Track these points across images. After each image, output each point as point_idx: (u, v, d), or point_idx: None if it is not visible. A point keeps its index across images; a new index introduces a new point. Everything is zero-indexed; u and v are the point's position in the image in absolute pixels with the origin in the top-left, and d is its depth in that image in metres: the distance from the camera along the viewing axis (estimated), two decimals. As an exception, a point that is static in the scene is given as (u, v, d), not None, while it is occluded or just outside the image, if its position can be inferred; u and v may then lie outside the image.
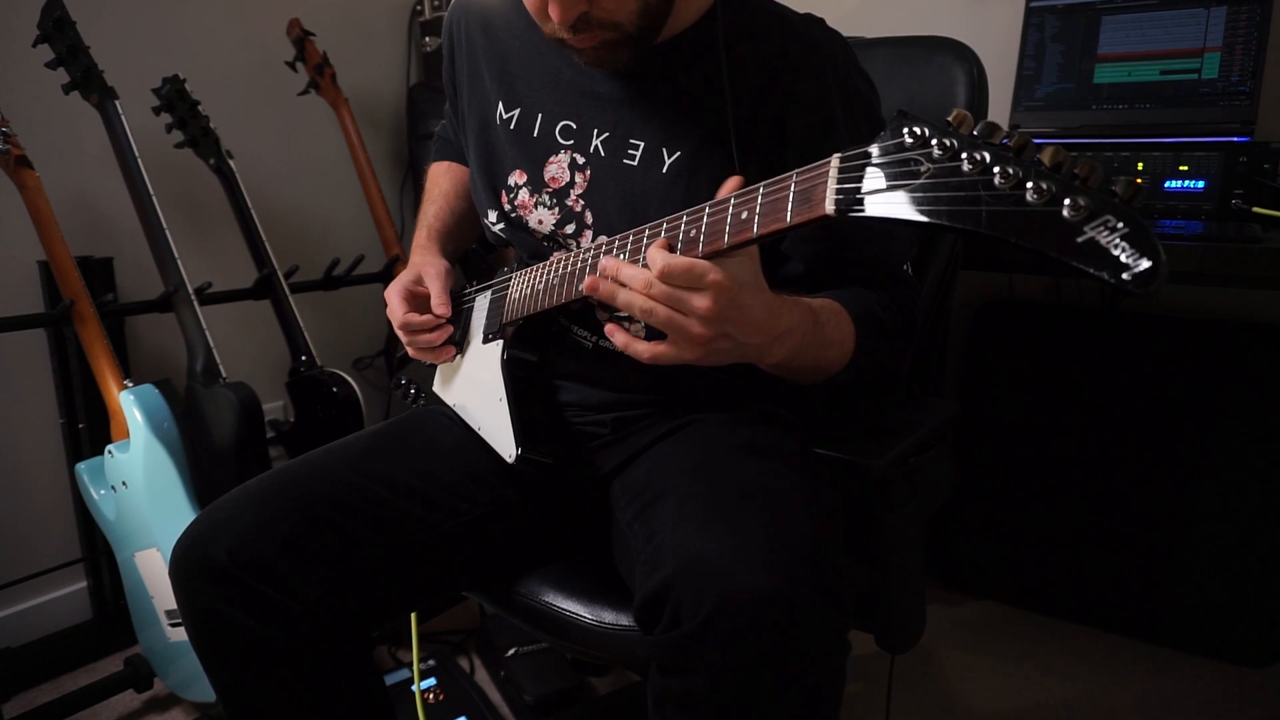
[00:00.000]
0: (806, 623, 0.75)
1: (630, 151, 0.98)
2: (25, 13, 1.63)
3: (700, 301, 0.75)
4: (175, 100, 1.80)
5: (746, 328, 0.79)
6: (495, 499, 1.04)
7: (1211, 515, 1.69)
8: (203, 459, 1.57)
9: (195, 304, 1.65)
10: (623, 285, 0.79)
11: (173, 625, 1.54)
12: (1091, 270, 0.52)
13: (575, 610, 0.99)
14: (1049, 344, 1.85)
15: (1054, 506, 1.84)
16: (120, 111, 1.65)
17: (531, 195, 1.04)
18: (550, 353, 1.06)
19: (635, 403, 1.03)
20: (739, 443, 0.95)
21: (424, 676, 1.65)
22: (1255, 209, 1.33)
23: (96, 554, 1.83)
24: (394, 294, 1.09)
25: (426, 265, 1.12)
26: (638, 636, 0.83)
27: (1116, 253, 0.51)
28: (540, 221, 1.04)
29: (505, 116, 1.06)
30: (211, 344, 1.64)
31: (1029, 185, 0.54)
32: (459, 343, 1.13)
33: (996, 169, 0.55)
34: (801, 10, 1.00)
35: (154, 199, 1.65)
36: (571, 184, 1.01)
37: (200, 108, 1.82)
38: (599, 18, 0.88)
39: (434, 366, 1.19)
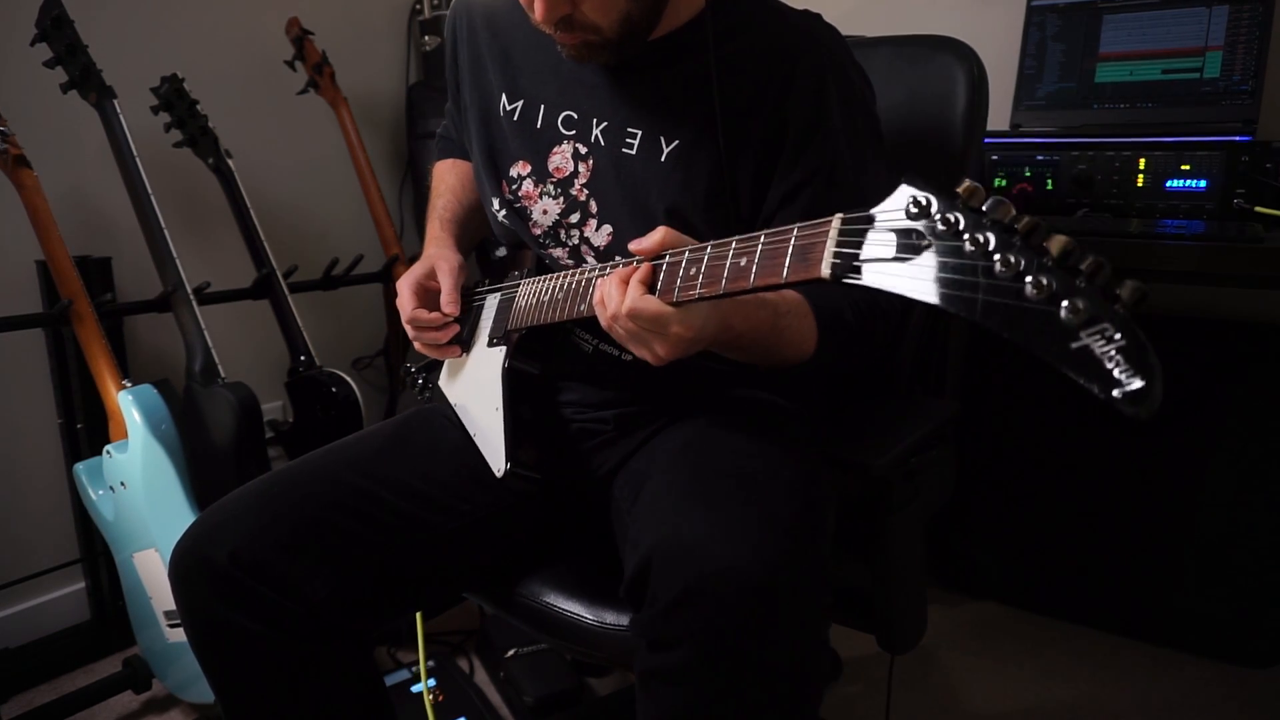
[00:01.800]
0: (782, 598, 0.75)
1: (629, 140, 0.99)
2: (23, 11, 1.63)
3: (660, 347, 0.80)
4: (174, 99, 1.80)
5: (695, 349, 0.83)
6: (496, 500, 1.04)
7: (1213, 515, 1.69)
8: (201, 459, 1.57)
9: (194, 304, 1.65)
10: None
11: (171, 626, 1.54)
12: (1081, 381, 0.49)
13: (576, 611, 0.98)
14: (1050, 344, 1.84)
15: (1056, 507, 1.84)
16: (118, 110, 1.65)
17: (536, 186, 1.04)
18: (552, 359, 1.06)
19: (636, 400, 1.04)
20: (731, 427, 0.96)
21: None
22: (1257, 208, 1.33)
23: (95, 554, 1.83)
24: (405, 286, 1.09)
25: (440, 259, 1.11)
26: (630, 620, 0.84)
27: (1109, 366, 0.48)
28: (545, 211, 1.04)
29: (509, 108, 1.06)
30: (210, 344, 1.63)
31: (1029, 279, 0.51)
32: (466, 341, 1.12)
33: (998, 256, 0.53)
34: (803, 9, 1.01)
35: (152, 198, 1.65)
36: (575, 174, 1.02)
37: (199, 107, 1.81)
38: (580, 20, 0.90)
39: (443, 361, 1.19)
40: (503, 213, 1.09)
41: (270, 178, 2.13)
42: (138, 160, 1.65)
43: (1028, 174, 1.51)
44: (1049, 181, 1.50)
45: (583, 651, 1.02)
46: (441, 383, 1.18)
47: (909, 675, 1.67)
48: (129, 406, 1.53)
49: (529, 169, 1.05)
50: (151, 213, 1.65)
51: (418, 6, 2.39)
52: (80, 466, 1.61)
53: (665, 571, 0.77)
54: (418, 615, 1.27)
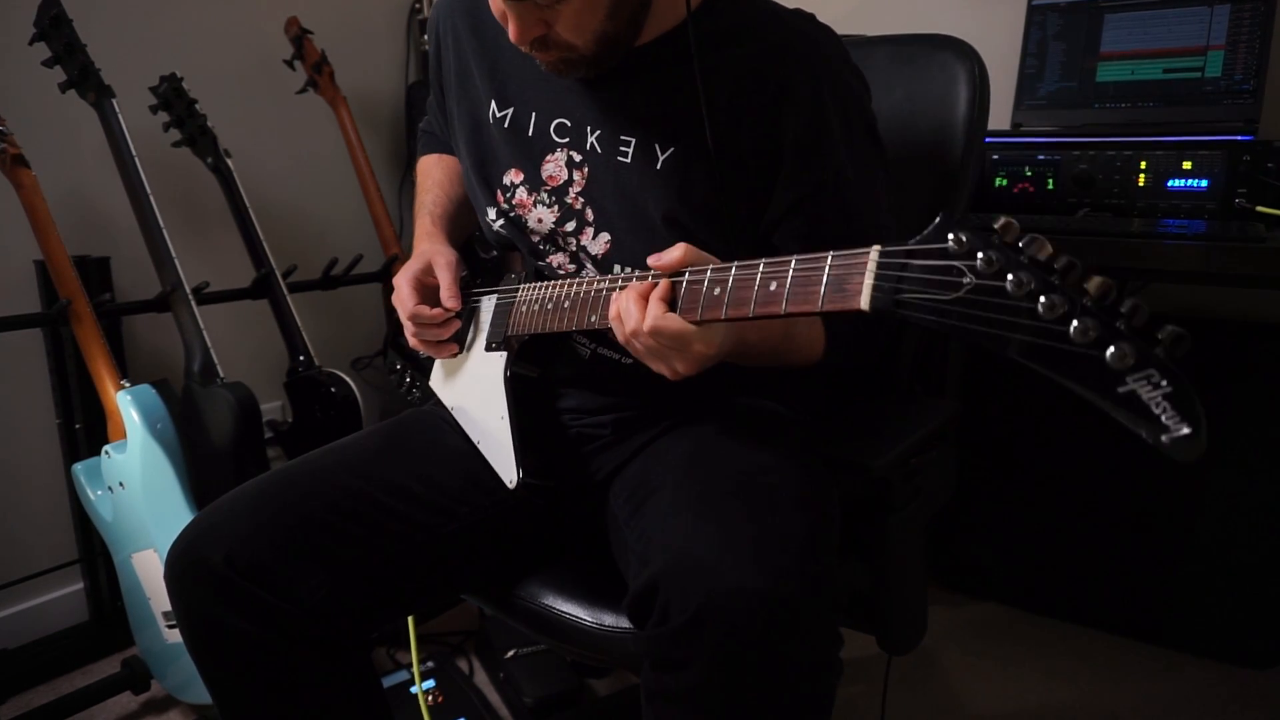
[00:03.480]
0: (795, 618, 0.75)
1: (623, 148, 0.97)
2: (22, 10, 1.63)
3: (680, 364, 0.81)
4: (172, 98, 1.79)
5: (713, 362, 0.83)
6: (494, 502, 1.03)
7: (1215, 516, 1.68)
8: (200, 460, 1.56)
9: (193, 303, 1.64)
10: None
11: (169, 627, 1.53)
12: (1127, 423, 0.51)
13: (575, 613, 0.98)
14: (1051, 344, 1.84)
15: (1056, 507, 1.83)
16: (117, 110, 1.64)
17: (530, 194, 1.03)
18: (551, 363, 1.05)
19: (635, 405, 1.03)
20: (735, 438, 0.96)
21: (423, 678, 1.65)
22: (1259, 208, 1.33)
23: (93, 555, 1.82)
24: (404, 282, 1.06)
25: (436, 254, 1.08)
26: (634, 636, 0.83)
27: (1157, 412, 0.50)
28: (540, 220, 1.03)
29: (498, 115, 1.05)
30: (209, 344, 1.63)
31: (1074, 323, 0.52)
32: (462, 340, 1.11)
33: (1042, 299, 0.53)
34: (804, 10, 0.99)
35: (151, 198, 1.64)
36: (570, 181, 1.01)
37: (198, 106, 1.81)
38: (556, 40, 0.90)
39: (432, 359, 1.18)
40: (499, 223, 1.07)
41: (269, 177, 2.13)
42: (136, 160, 1.64)
43: (1029, 173, 1.51)
44: (1050, 181, 1.49)
45: (582, 653, 1.02)
46: (435, 384, 1.17)
47: (909, 676, 1.67)
48: (128, 406, 1.52)
49: (522, 177, 1.03)
50: (150, 212, 1.64)
51: (417, 6, 2.39)
52: (79, 467, 1.61)
53: (676, 591, 0.76)
54: (410, 620, 1.26)
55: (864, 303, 0.64)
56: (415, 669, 1.31)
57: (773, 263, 0.73)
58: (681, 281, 0.79)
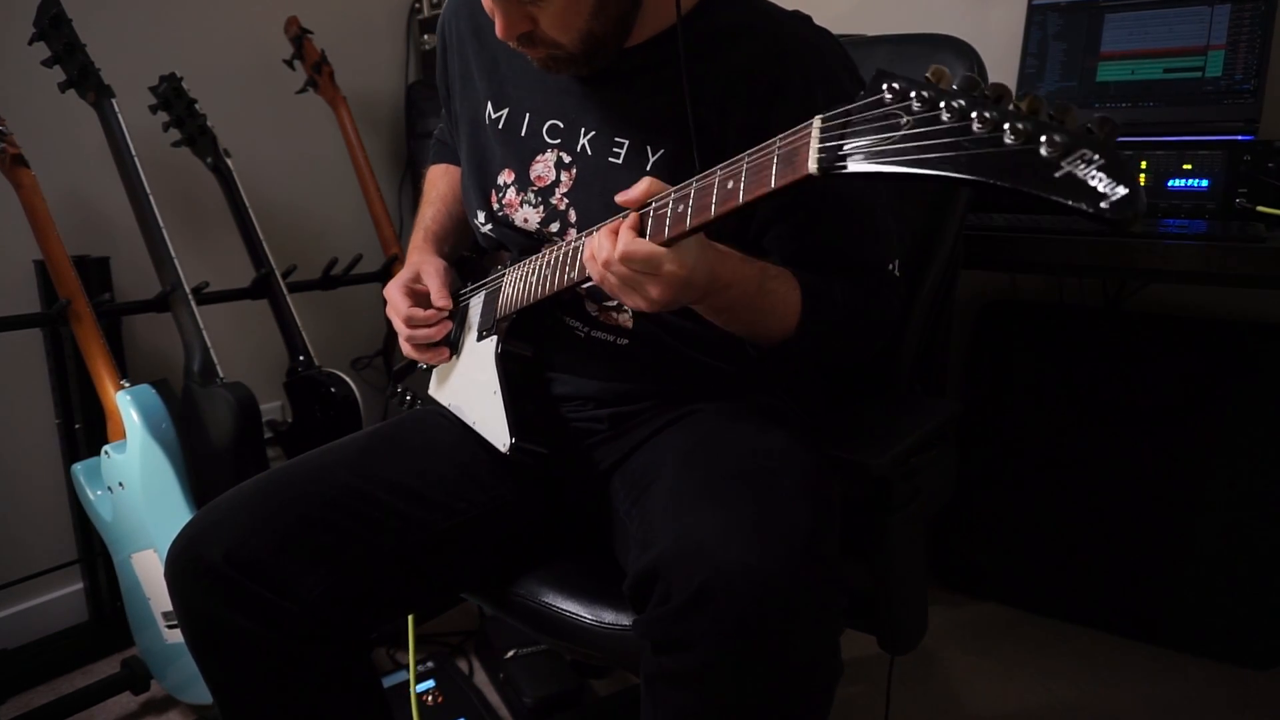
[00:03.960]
0: (797, 599, 0.75)
1: (615, 150, 0.98)
2: (21, 10, 1.63)
3: (654, 289, 0.80)
4: (172, 98, 1.79)
5: (687, 295, 0.83)
6: (493, 499, 1.03)
7: (1216, 516, 1.68)
8: (200, 460, 1.56)
9: (192, 303, 1.64)
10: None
11: (169, 627, 1.53)
12: (1070, 202, 0.53)
13: (574, 611, 0.98)
14: (1052, 344, 1.84)
15: (1057, 507, 1.83)
16: (117, 109, 1.65)
17: (518, 194, 1.04)
18: (544, 345, 1.05)
19: (631, 395, 1.03)
20: (735, 429, 0.96)
21: (423, 678, 1.65)
22: (1259, 208, 1.33)
23: (93, 555, 1.82)
24: (395, 290, 1.10)
25: (425, 263, 1.13)
26: (634, 620, 0.83)
27: (1094, 183, 0.51)
28: (525, 220, 1.04)
29: (494, 116, 1.06)
30: (209, 344, 1.63)
31: (1006, 128, 0.55)
32: (454, 344, 1.12)
33: (974, 115, 0.56)
34: (804, 9, 0.98)
35: (151, 198, 1.64)
36: (557, 182, 1.01)
37: (197, 106, 1.81)
38: (542, 37, 0.91)
39: (429, 372, 1.19)
40: (488, 226, 1.08)
41: (269, 177, 2.13)
42: (136, 159, 1.64)
43: (1029, 173, 1.51)
44: (1050, 181, 1.49)
45: (581, 651, 1.02)
46: (432, 391, 1.18)
47: (909, 676, 1.67)
48: (127, 406, 1.52)
49: (513, 177, 1.05)
50: (150, 212, 1.64)
51: (417, 5, 2.39)
52: (78, 467, 1.61)
53: (678, 571, 0.76)
54: (409, 619, 1.26)
55: (811, 166, 0.66)
56: (411, 670, 1.31)
57: (727, 164, 0.75)
58: (648, 212, 0.81)
